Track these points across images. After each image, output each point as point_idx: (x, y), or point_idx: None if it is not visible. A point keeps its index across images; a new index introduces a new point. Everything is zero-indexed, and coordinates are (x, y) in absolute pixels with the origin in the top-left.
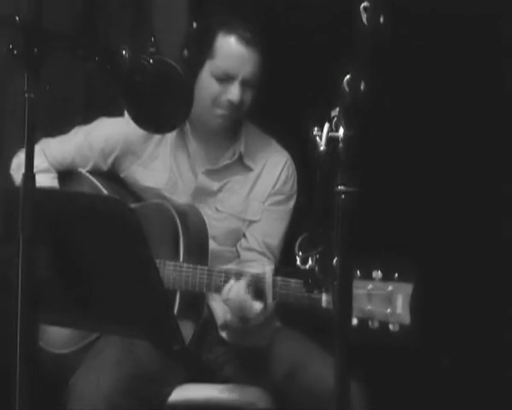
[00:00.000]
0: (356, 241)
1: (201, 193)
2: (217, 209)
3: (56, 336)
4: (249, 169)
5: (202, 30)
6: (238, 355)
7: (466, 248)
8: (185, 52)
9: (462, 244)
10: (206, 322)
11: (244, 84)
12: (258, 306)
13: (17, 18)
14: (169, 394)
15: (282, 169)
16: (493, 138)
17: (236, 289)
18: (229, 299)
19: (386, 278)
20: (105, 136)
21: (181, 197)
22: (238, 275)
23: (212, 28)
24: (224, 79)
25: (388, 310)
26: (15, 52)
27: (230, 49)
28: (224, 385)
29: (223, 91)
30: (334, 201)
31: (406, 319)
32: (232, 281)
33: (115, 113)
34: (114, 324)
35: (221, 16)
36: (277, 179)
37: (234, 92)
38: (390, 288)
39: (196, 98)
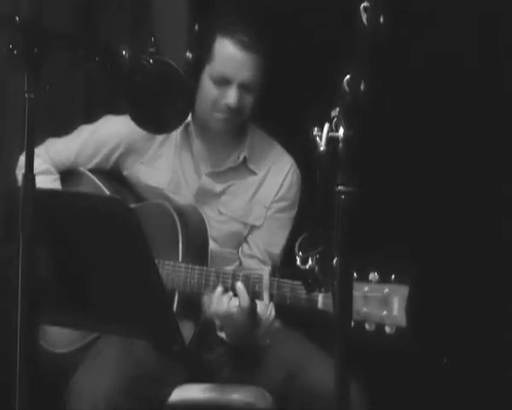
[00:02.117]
0: (356, 241)
1: (204, 194)
2: (219, 212)
3: (56, 336)
4: (253, 173)
5: (202, 33)
6: (238, 356)
7: (465, 248)
8: (188, 54)
9: (461, 244)
10: (206, 322)
11: (242, 88)
12: (243, 321)
13: (17, 18)
14: (169, 394)
15: (287, 175)
16: (493, 138)
17: (226, 302)
18: (216, 311)
19: (383, 280)
20: (109, 134)
21: (184, 198)
22: (236, 276)
23: (211, 31)
24: (222, 82)
25: (384, 312)
26: (15, 52)
27: (227, 53)
28: (223, 385)
29: (221, 95)
30: (334, 201)
31: (402, 322)
32: (219, 289)
33: (116, 112)
34: (114, 324)
35: (220, 19)
36: (281, 185)
37: (231, 96)
38: (386, 290)
39: (199, 100)
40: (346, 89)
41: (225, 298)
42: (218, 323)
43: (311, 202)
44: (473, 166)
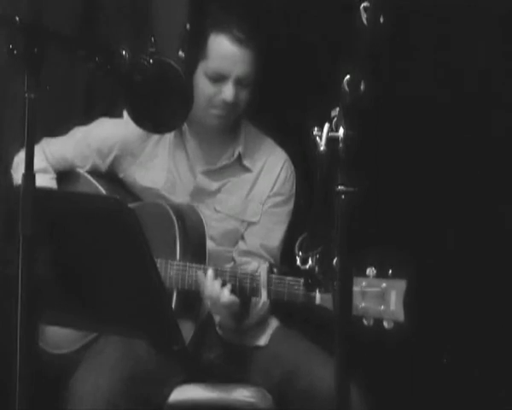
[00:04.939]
0: (355, 240)
1: (200, 193)
2: (215, 210)
3: (56, 337)
4: (248, 170)
5: (195, 31)
6: (237, 356)
7: (465, 247)
8: (180, 53)
9: (461, 243)
10: (206, 322)
11: (238, 83)
12: (226, 297)
13: (17, 18)
14: (169, 394)
15: (281, 170)
16: (493, 138)
17: (210, 285)
18: (208, 295)
19: (380, 274)
20: (104, 136)
21: (179, 197)
22: (234, 273)
23: (205, 29)
24: (217, 79)
25: (382, 307)
26: (15, 52)
27: (222, 49)
28: (223, 385)
29: (217, 92)
30: (334, 201)
31: (400, 316)
32: (210, 272)
33: (115, 113)
34: (114, 324)
35: (214, 16)
36: (276, 180)
37: (227, 92)
38: (384, 285)
39: None
40: (346, 89)
41: (216, 283)
42: (217, 320)
43: (311, 201)
44: (473, 165)
